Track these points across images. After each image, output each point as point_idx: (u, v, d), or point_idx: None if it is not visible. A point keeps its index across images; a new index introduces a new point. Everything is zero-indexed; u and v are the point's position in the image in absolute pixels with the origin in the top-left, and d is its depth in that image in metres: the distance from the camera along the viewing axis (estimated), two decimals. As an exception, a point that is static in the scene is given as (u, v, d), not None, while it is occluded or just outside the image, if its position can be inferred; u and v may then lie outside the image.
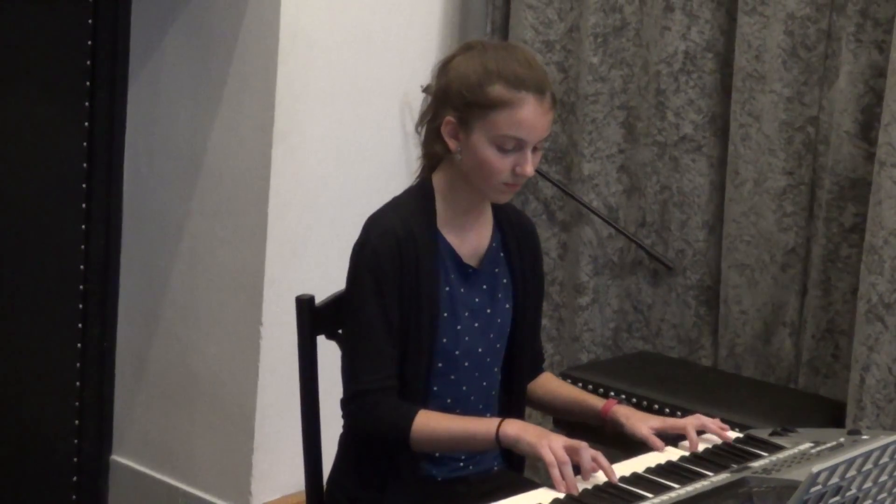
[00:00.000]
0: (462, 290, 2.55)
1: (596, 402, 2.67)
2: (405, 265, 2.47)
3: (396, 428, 2.45)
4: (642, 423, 2.54)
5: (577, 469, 2.28)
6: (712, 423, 2.54)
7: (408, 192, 2.60)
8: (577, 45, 3.89)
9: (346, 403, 2.52)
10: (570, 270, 3.97)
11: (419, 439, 2.44)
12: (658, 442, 2.48)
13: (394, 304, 2.46)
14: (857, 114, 3.38)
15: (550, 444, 2.28)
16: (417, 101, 3.79)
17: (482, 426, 2.41)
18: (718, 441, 2.51)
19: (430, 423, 2.44)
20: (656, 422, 2.55)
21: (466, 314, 2.55)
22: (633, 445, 2.53)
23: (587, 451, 2.28)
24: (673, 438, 2.53)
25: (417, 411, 2.45)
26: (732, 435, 2.53)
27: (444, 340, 2.52)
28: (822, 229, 3.47)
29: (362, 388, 2.47)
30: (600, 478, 2.28)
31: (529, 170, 2.46)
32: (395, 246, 2.46)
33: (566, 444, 2.29)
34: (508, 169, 2.46)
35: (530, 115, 2.44)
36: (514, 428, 2.37)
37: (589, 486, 2.24)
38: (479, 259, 2.59)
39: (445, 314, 2.52)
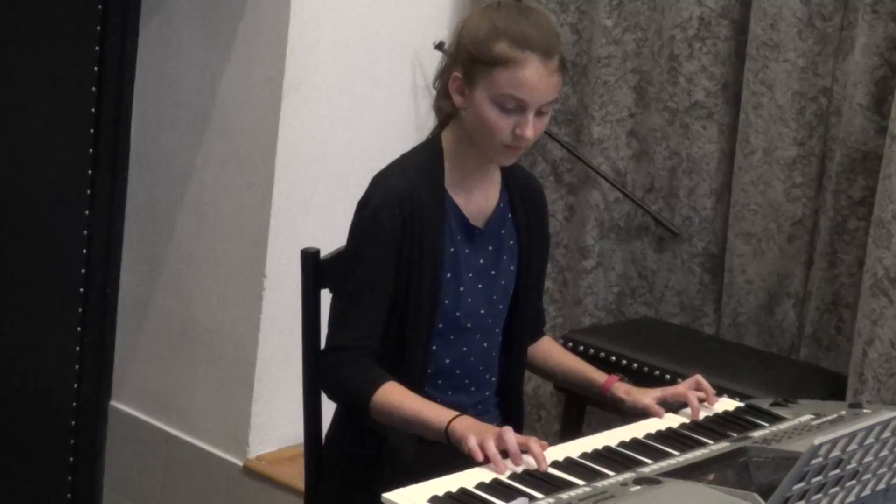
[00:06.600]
0: (467, 250, 2.54)
1: (597, 376, 2.67)
2: (408, 226, 2.45)
3: (358, 393, 2.42)
4: (644, 396, 2.55)
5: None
6: (708, 386, 2.55)
7: (416, 150, 2.59)
8: (592, 6, 3.86)
9: (321, 357, 2.51)
10: (575, 233, 3.96)
11: (378, 410, 2.40)
12: (660, 410, 2.49)
13: (389, 266, 2.45)
14: (871, 86, 3.36)
15: (482, 442, 2.18)
16: (429, 57, 3.79)
17: (437, 415, 2.34)
18: (719, 410, 2.52)
19: (391, 396, 2.38)
20: (657, 392, 2.56)
21: (470, 275, 2.54)
22: (633, 415, 2.54)
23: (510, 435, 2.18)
24: (674, 407, 2.53)
25: (384, 381, 2.40)
26: (718, 405, 2.54)
27: (447, 301, 2.51)
28: (830, 201, 3.46)
29: (337, 344, 2.46)
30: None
31: (529, 132, 2.42)
32: (398, 207, 2.44)
33: (496, 437, 2.19)
34: (508, 130, 2.42)
35: (532, 76, 2.40)
36: (463, 426, 2.27)
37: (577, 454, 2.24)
38: (485, 220, 2.58)
39: (449, 275, 2.51)
